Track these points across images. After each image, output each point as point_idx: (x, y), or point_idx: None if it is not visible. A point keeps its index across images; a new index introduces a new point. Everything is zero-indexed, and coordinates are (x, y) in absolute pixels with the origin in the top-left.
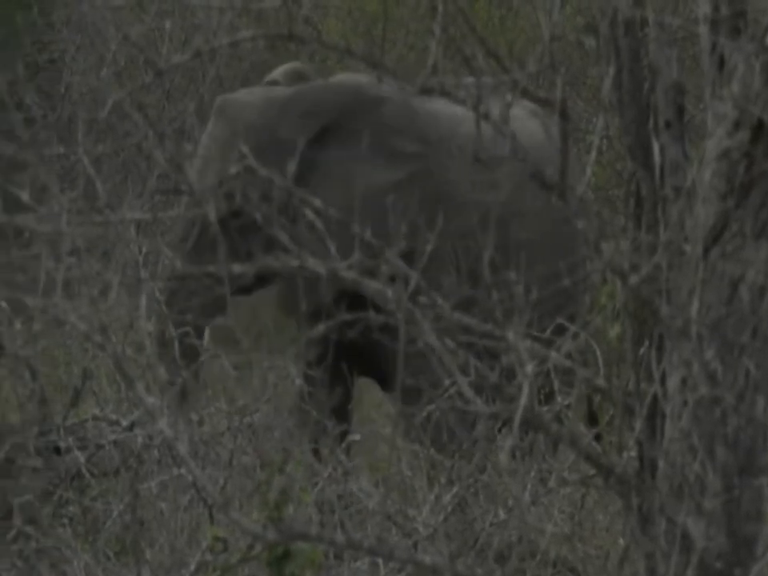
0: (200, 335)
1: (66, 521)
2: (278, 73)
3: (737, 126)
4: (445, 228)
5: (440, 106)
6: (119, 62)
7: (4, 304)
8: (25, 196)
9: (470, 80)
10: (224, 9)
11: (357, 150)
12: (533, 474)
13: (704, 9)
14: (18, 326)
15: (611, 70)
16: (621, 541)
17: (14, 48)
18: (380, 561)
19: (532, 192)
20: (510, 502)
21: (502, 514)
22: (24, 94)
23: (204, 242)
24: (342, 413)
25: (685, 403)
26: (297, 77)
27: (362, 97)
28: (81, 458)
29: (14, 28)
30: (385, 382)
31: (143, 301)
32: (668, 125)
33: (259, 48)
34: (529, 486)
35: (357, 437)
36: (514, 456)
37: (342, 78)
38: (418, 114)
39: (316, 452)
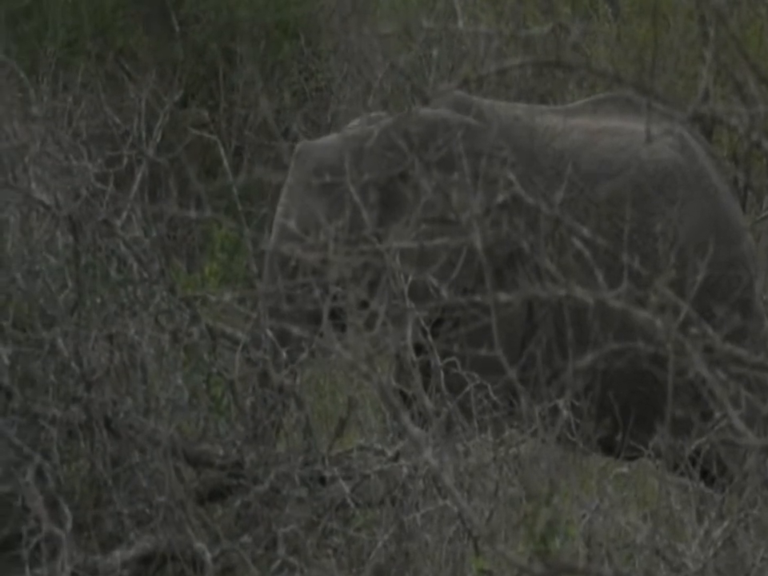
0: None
1: (330, 551)
2: (354, 122)
3: None
4: (715, 257)
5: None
6: (386, 90)
7: (270, 333)
8: (292, 225)
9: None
10: (492, 36)
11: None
12: None
13: None
14: (283, 354)
15: None
16: None
17: (281, 77)
18: None
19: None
20: None
21: None
22: (291, 123)
23: (469, 271)
24: (609, 444)
25: None
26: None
27: (445, 125)
28: (346, 488)
29: (281, 57)
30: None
31: (409, 330)
32: None
33: (527, 75)
34: None
35: (624, 469)
36: None
37: (423, 112)
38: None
39: (583, 484)
